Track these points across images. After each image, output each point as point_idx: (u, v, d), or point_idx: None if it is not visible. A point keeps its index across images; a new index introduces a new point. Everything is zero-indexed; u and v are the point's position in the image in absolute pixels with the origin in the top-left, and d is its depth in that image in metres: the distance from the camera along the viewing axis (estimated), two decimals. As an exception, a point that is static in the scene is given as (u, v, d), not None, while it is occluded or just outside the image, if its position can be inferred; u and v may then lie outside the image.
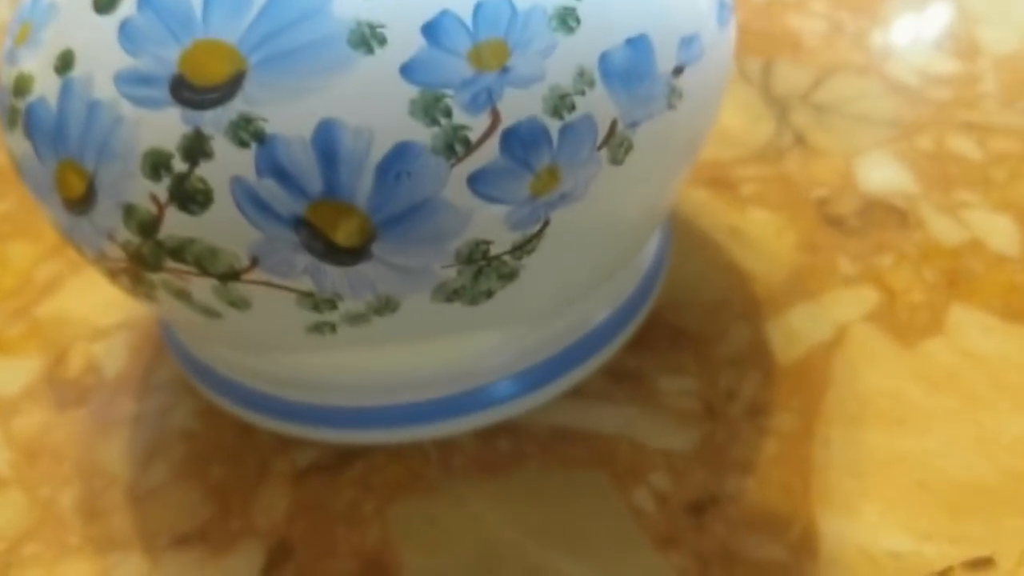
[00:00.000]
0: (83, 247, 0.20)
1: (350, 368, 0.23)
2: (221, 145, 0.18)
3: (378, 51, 0.18)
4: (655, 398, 0.25)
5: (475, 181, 0.18)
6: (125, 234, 0.19)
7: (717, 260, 0.28)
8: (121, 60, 0.18)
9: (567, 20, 0.19)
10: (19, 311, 0.30)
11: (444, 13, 0.18)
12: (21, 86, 0.20)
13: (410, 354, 0.23)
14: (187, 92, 0.18)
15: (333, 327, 0.20)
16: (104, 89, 0.19)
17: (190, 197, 0.18)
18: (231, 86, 0.18)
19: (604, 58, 0.19)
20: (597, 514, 0.22)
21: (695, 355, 0.26)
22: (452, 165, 0.18)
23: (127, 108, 0.18)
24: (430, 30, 0.18)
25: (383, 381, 0.24)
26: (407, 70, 0.18)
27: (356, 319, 0.20)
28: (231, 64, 0.18)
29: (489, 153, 0.18)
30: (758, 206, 0.30)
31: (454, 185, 0.18)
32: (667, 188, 0.22)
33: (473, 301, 0.20)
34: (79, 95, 0.19)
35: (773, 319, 0.27)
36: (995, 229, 0.28)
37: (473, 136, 0.18)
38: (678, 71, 0.20)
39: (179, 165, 0.18)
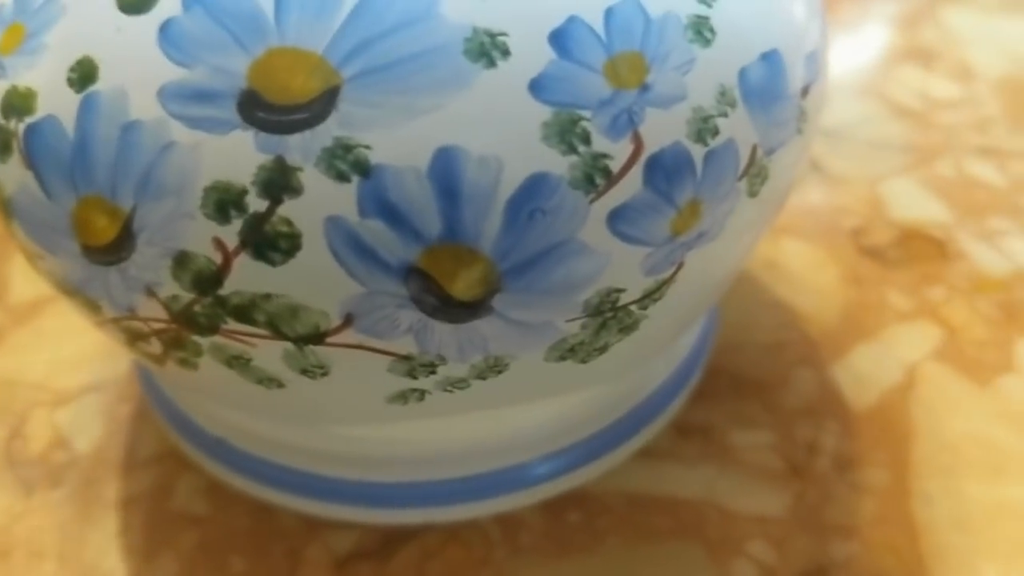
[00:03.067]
0: (101, 303, 0.16)
1: (408, 439, 0.20)
2: (312, 178, 0.14)
3: (501, 64, 0.15)
4: (730, 455, 0.22)
5: (616, 219, 0.15)
6: (172, 288, 0.15)
7: (762, 298, 0.26)
8: (166, 71, 0.15)
9: (702, 31, 0.16)
10: (-47, 373, 0.25)
11: (572, 20, 0.15)
12: (16, 103, 0.16)
13: (474, 422, 0.19)
14: (263, 112, 0.14)
15: (422, 395, 0.17)
16: (144, 107, 0.15)
17: (270, 243, 0.14)
18: (322, 105, 0.14)
19: (743, 75, 0.16)
20: (694, 593, 0.20)
21: (763, 405, 0.23)
22: (591, 201, 0.15)
23: (179, 131, 0.15)
24: (559, 40, 0.15)
25: (440, 452, 0.20)
26: (537, 87, 0.15)
27: (454, 384, 0.16)
28: (320, 78, 0.14)
29: (632, 186, 0.15)
30: (790, 237, 0.28)
31: (593, 224, 0.15)
32: (773, 223, 0.20)
33: (586, 358, 0.17)
34: (107, 114, 0.15)
35: (836, 362, 0.25)
36: (1037, 259, 0.27)
37: (615, 166, 0.15)
38: (805, 91, 0.18)
39: (256, 203, 0.14)
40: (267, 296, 0.15)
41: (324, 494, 0.21)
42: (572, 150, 0.15)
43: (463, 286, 0.15)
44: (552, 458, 0.21)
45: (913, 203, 0.29)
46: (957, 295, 0.26)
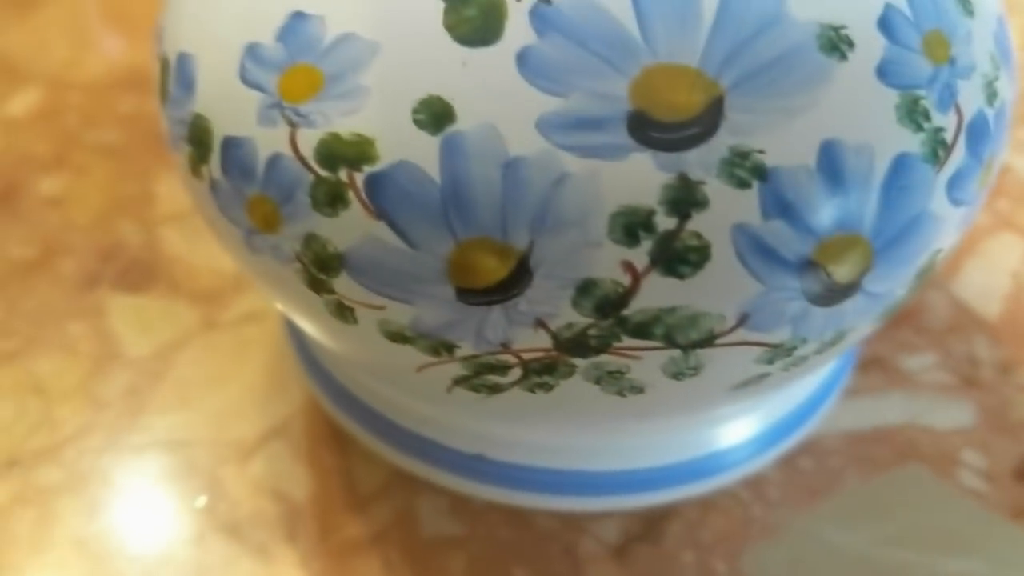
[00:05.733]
0: (461, 343, 0.16)
1: (677, 424, 0.20)
2: (716, 189, 0.15)
3: (850, 55, 0.15)
4: (909, 379, 0.24)
5: (951, 186, 0.17)
6: (569, 317, 0.15)
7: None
8: (538, 102, 0.15)
9: (965, 3, 0.17)
10: (109, 445, 0.23)
11: (888, 6, 0.16)
12: (345, 153, 0.15)
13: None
14: (655, 131, 0.15)
15: (763, 377, 0.17)
16: (524, 142, 0.15)
17: (681, 258, 0.15)
18: (710, 117, 0.15)
19: (997, 40, 0.18)
20: (940, 506, 0.22)
21: (914, 330, 0.26)
22: (937, 172, 0.16)
23: (571, 162, 0.15)
24: (886, 25, 0.16)
25: (695, 432, 0.21)
26: (883, 73, 0.16)
27: (797, 363, 0.17)
28: (703, 90, 0.15)
29: (959, 153, 0.17)
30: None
31: (938, 194, 0.16)
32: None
33: (892, 316, 0.18)
34: (479, 153, 0.15)
35: (954, 281, 0.27)
36: (1066, 161, 0.31)
37: (948, 137, 0.16)
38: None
39: (664, 221, 0.15)
40: (671, 309, 0.15)
41: (590, 489, 0.21)
42: (920, 128, 0.16)
43: (846, 270, 0.16)
44: (787, 418, 0.22)
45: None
46: (1018, 204, 0.29)
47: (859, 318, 0.17)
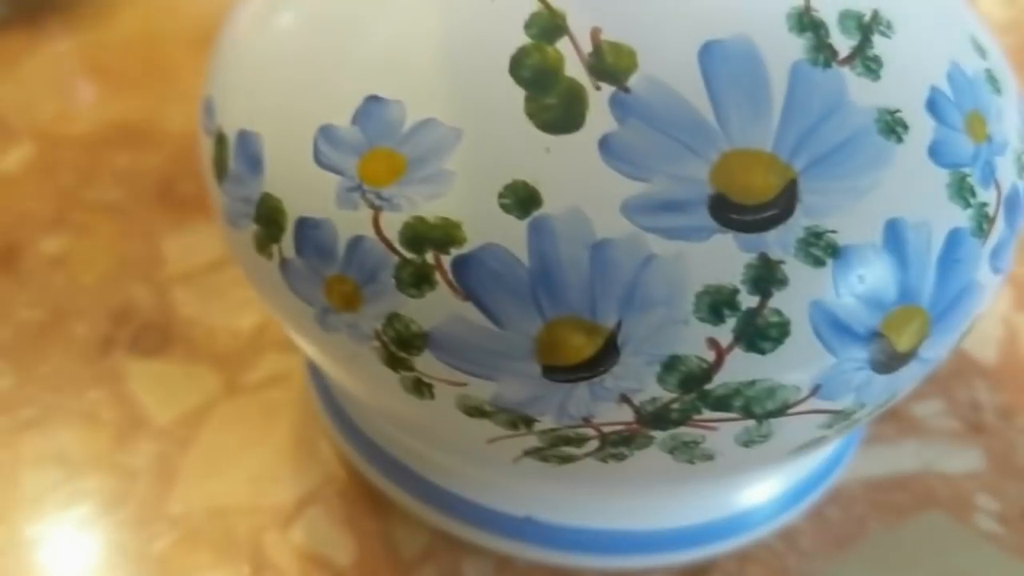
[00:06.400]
0: (542, 417, 0.17)
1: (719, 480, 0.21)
2: (794, 268, 0.15)
3: (906, 137, 0.16)
4: (919, 426, 0.26)
5: (994, 256, 0.18)
6: (653, 392, 0.16)
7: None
8: (622, 186, 0.15)
9: (994, 83, 0.19)
10: (144, 516, 0.23)
11: (933, 89, 0.17)
12: (432, 235, 0.16)
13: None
14: (735, 214, 0.15)
15: (821, 440, 0.18)
16: (610, 225, 0.15)
17: (762, 334, 0.16)
18: (786, 199, 0.15)
19: (1021, 116, 0.19)
20: (961, 550, 0.23)
21: (918, 377, 0.27)
22: (983, 244, 0.17)
23: (657, 243, 0.15)
24: (933, 107, 0.17)
25: (731, 490, 0.22)
26: (934, 153, 0.17)
27: (850, 426, 0.18)
28: (778, 174, 0.15)
29: (999, 226, 0.18)
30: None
31: (983, 265, 0.17)
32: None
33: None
34: (567, 236, 0.15)
35: (949, 327, 0.28)
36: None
37: (991, 211, 0.17)
38: None
39: (747, 300, 0.15)
40: (751, 383, 0.16)
41: (634, 547, 0.21)
42: (968, 204, 0.17)
43: (907, 340, 0.17)
44: (814, 470, 0.23)
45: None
46: (1001, 252, 0.31)
47: (910, 382, 0.18)
